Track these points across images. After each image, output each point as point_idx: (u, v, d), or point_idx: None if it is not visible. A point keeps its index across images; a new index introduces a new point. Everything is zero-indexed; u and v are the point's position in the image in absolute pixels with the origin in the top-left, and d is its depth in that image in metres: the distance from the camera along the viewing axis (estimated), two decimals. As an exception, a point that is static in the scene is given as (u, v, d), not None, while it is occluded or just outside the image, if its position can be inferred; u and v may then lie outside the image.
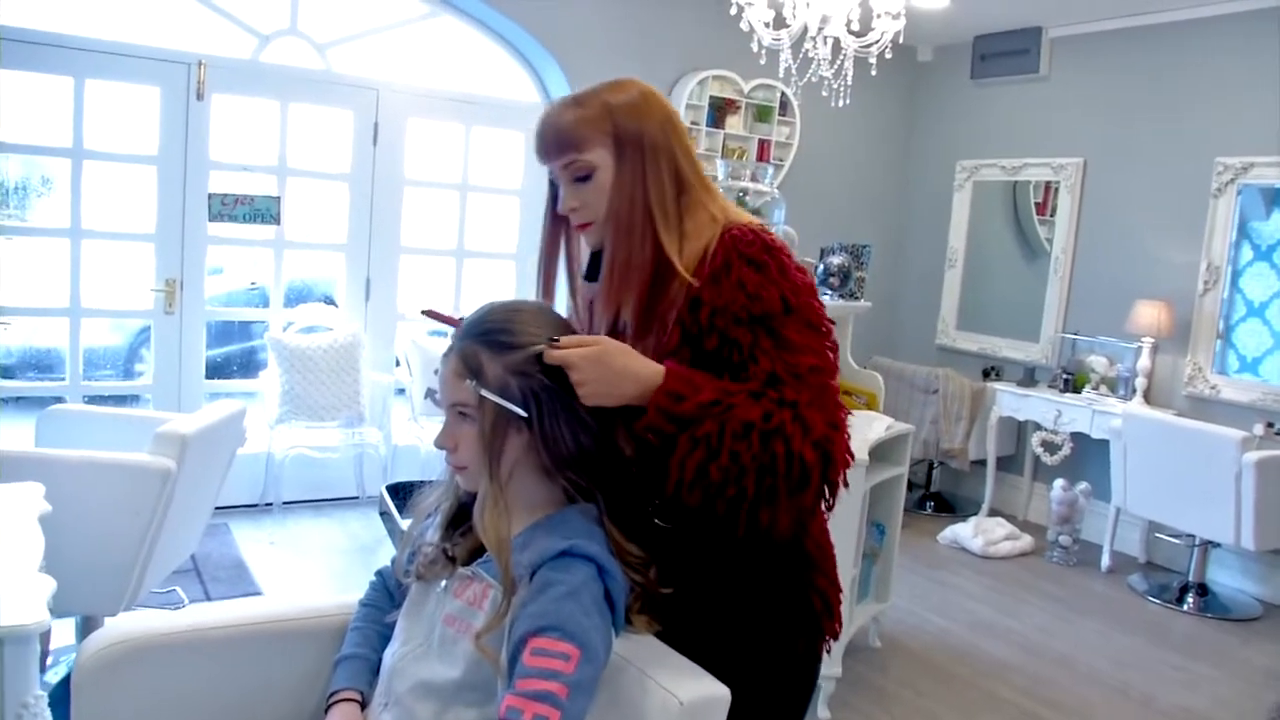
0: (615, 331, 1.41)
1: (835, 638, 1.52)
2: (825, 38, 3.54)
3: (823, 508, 1.39)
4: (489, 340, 1.33)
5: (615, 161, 1.37)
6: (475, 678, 1.27)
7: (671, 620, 1.38)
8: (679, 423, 1.25)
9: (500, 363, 1.31)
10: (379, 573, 1.58)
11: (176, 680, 1.44)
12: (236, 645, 1.48)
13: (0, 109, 4.00)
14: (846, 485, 1.34)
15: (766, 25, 3.60)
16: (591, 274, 1.47)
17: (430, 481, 1.53)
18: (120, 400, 4.84)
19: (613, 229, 1.37)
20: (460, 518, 1.43)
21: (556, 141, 1.39)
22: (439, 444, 1.38)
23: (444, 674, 1.29)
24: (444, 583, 1.38)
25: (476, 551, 1.38)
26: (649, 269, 1.37)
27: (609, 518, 1.36)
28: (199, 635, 1.46)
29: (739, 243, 1.34)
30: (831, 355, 1.35)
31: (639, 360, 1.29)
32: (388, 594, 1.54)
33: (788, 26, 3.59)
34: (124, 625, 1.46)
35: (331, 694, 1.42)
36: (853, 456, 1.35)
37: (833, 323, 1.39)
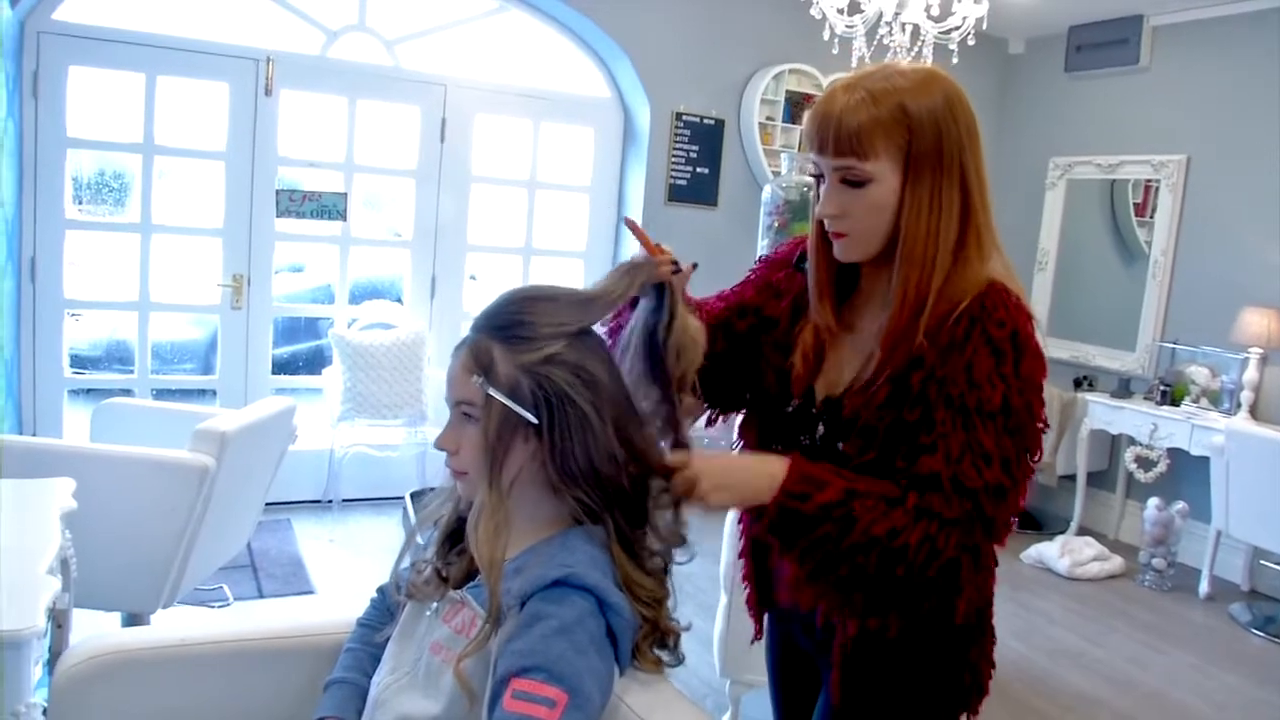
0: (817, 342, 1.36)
1: (974, 713, 1.41)
2: (902, 24, 3.35)
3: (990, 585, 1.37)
4: (504, 334, 1.19)
5: (903, 180, 1.22)
6: (457, 713, 1.14)
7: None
8: (801, 523, 1.18)
9: (513, 360, 1.18)
10: (380, 589, 1.47)
11: (158, 697, 1.36)
12: (223, 663, 1.39)
13: (74, 105, 4.05)
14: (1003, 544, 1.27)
15: (840, 12, 3.42)
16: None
17: (435, 488, 1.40)
18: (190, 395, 4.89)
19: (906, 259, 1.23)
20: (458, 533, 1.29)
21: (837, 139, 1.22)
22: (439, 445, 1.25)
23: (425, 709, 1.16)
24: (435, 606, 1.25)
25: (471, 573, 1.25)
26: (914, 291, 1.23)
27: (620, 544, 1.21)
28: (182, 651, 1.37)
29: (989, 318, 1.19)
30: (1029, 455, 1.22)
31: (761, 460, 1.25)
32: (387, 612, 1.43)
33: (862, 12, 3.40)
34: (104, 639, 1.37)
35: (318, 720, 1.31)
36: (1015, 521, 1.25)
37: (1046, 424, 1.26)
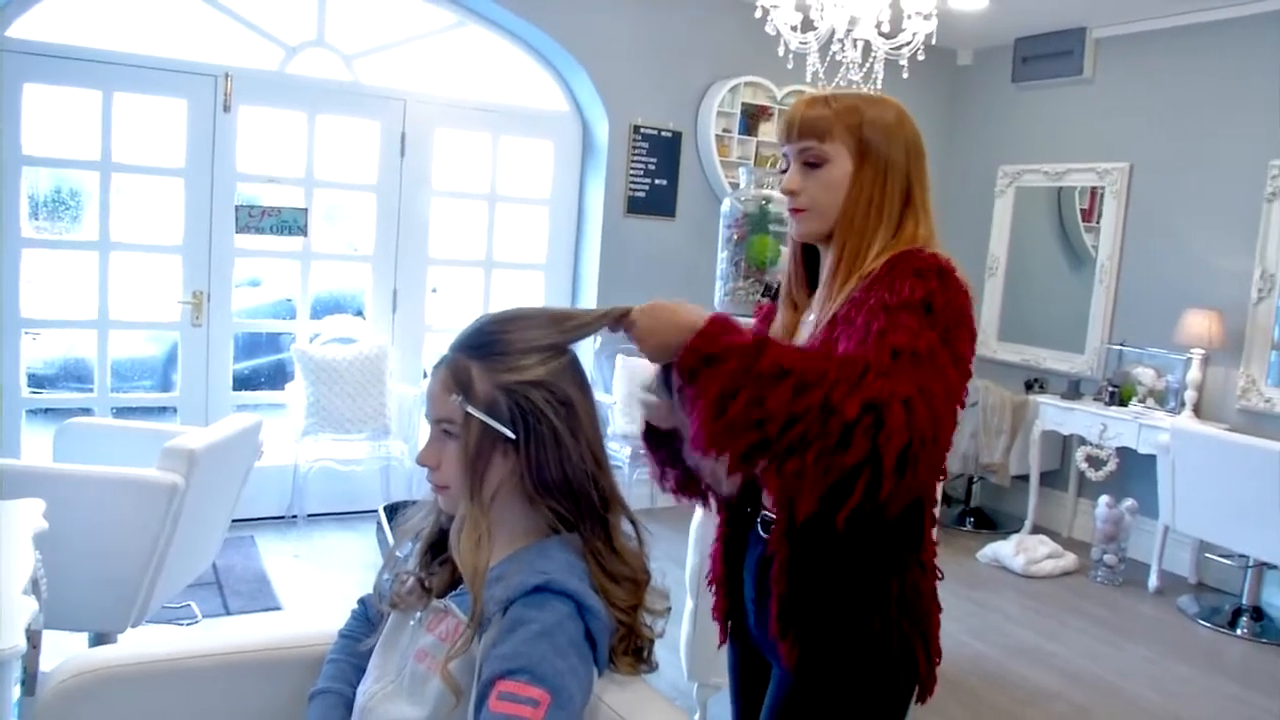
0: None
1: (919, 698, 1.45)
2: (855, 40, 3.44)
3: (930, 561, 1.41)
4: (481, 353, 1.25)
5: (855, 165, 1.41)
6: (442, 718, 1.18)
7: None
8: (706, 360, 1.17)
9: (491, 379, 1.23)
10: (362, 600, 1.51)
11: (145, 713, 1.38)
12: (208, 677, 1.42)
13: (29, 123, 4.02)
14: (935, 498, 1.29)
15: (794, 28, 3.51)
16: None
17: (417, 501, 1.45)
18: (150, 412, 4.85)
19: (843, 226, 1.41)
20: (440, 544, 1.35)
21: (801, 126, 1.43)
22: (420, 461, 1.30)
23: (411, 715, 1.20)
24: (419, 615, 1.30)
25: (454, 582, 1.30)
26: (855, 261, 1.40)
27: (593, 552, 1.27)
28: (168, 666, 1.40)
29: (913, 257, 1.33)
30: (955, 381, 1.21)
31: (694, 309, 1.27)
32: (368, 623, 1.47)
33: (815, 29, 3.49)
34: (92, 655, 1.40)
35: (303, 731, 1.35)
36: (944, 471, 1.27)
37: (969, 371, 1.29)
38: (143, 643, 1.40)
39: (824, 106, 1.43)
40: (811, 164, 1.42)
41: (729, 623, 1.63)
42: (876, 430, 1.09)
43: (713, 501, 1.58)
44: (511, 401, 1.23)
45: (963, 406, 1.27)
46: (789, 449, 1.11)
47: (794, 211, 1.46)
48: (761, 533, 1.47)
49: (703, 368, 1.17)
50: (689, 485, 1.56)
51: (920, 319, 1.22)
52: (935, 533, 1.47)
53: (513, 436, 1.23)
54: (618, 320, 1.30)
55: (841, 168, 1.41)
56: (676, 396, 1.32)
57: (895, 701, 1.42)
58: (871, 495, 1.11)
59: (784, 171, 1.47)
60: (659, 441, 1.53)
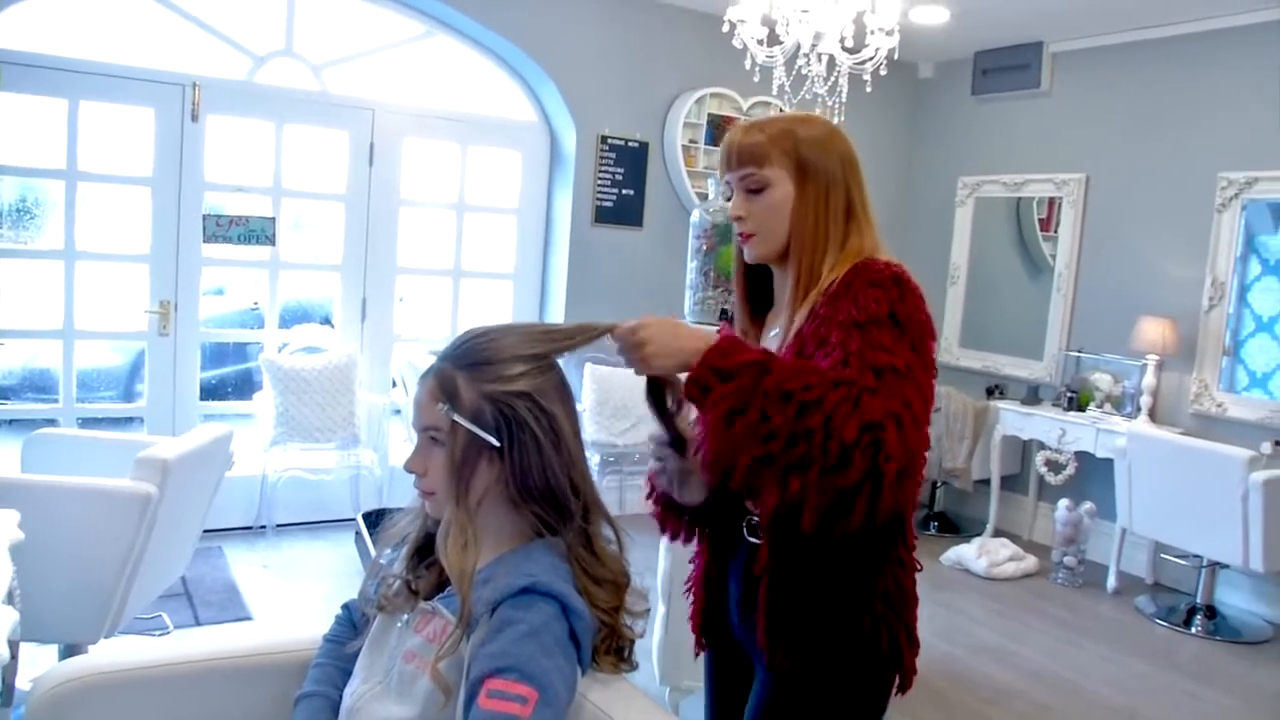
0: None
1: (900, 688, 1.49)
2: (819, 55, 3.51)
3: (910, 556, 1.46)
4: (467, 364, 1.29)
5: (797, 186, 1.47)
6: (430, 717, 1.22)
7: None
8: (719, 375, 1.23)
9: (476, 389, 1.27)
10: (346, 605, 1.54)
11: (134, 718, 1.40)
12: (196, 681, 1.44)
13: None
14: (914, 505, 1.32)
15: (760, 42, 3.57)
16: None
17: (402, 508, 1.48)
18: (116, 423, 4.81)
19: (796, 246, 1.47)
20: (427, 548, 1.38)
21: (740, 154, 1.49)
22: (408, 468, 1.34)
23: (399, 714, 1.24)
24: (406, 617, 1.33)
25: (441, 585, 1.33)
26: (808, 280, 1.46)
27: (576, 555, 1.31)
28: (156, 672, 1.41)
29: (867, 269, 1.38)
30: (929, 388, 1.31)
31: (698, 328, 1.33)
32: (352, 627, 1.50)
33: (781, 43, 3.56)
34: (79, 662, 1.41)
35: (290, 733, 1.37)
36: (921, 477, 1.31)
37: (935, 370, 1.37)
38: (128, 650, 1.42)
39: (759, 133, 1.48)
40: (754, 190, 1.48)
41: (704, 629, 1.65)
42: (875, 451, 1.16)
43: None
44: (496, 410, 1.27)
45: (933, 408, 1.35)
46: (790, 467, 1.18)
47: (743, 236, 1.52)
48: (748, 536, 1.50)
49: (716, 383, 1.22)
50: (692, 532, 1.62)
51: (891, 334, 1.29)
52: (914, 526, 1.52)
53: (497, 444, 1.27)
54: (603, 335, 1.35)
55: (783, 190, 1.47)
56: (666, 418, 1.42)
57: (880, 694, 1.47)
58: (872, 511, 1.18)
59: (729, 199, 1.54)
60: (670, 505, 1.58)
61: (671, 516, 1.60)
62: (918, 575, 1.50)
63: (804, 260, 1.46)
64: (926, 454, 1.26)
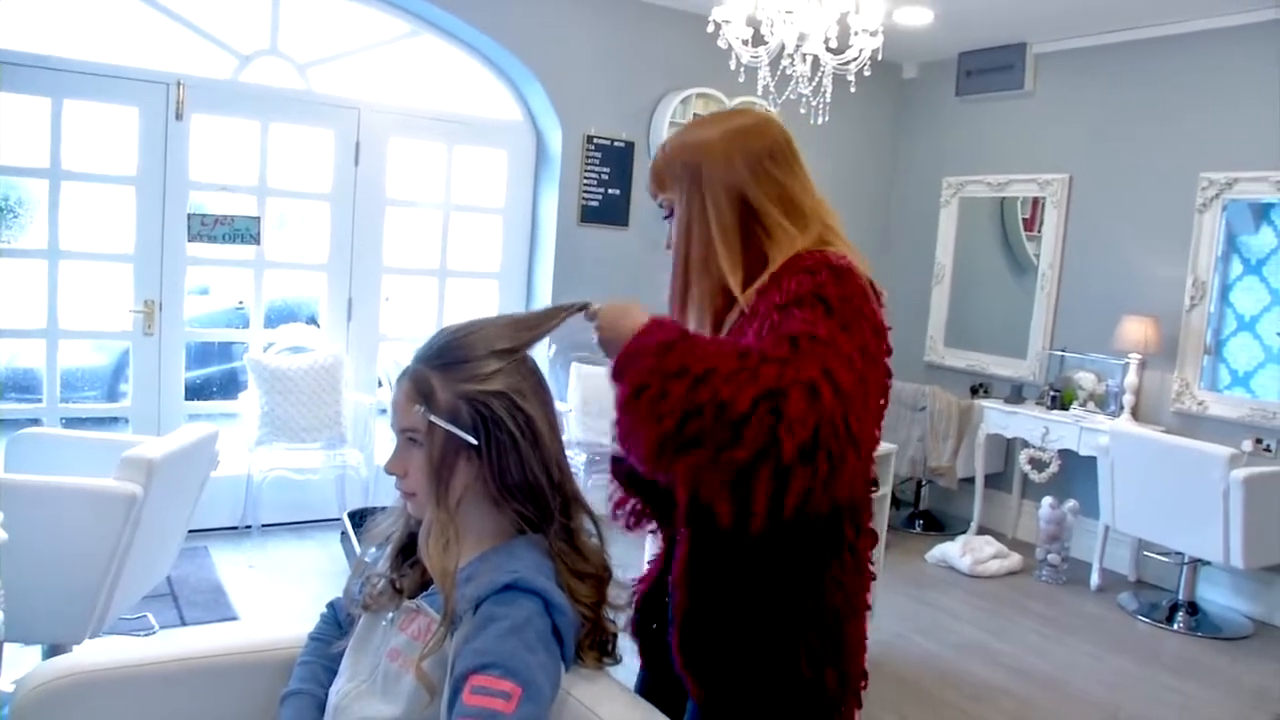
0: None
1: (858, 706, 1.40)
2: (804, 55, 3.53)
3: (856, 579, 1.35)
4: (442, 364, 1.30)
5: (686, 206, 1.38)
6: (414, 714, 1.22)
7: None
8: (632, 355, 1.14)
9: (452, 389, 1.28)
10: (331, 604, 1.54)
11: (120, 716, 1.40)
12: (182, 680, 1.44)
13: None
14: (858, 491, 1.26)
15: (745, 43, 3.59)
16: None
17: (386, 508, 1.49)
18: (100, 423, 4.79)
19: (672, 263, 1.40)
20: (411, 548, 1.39)
21: (650, 181, 1.45)
22: (388, 470, 1.35)
23: (384, 712, 1.24)
24: (390, 615, 1.34)
25: (425, 583, 1.34)
26: (715, 299, 1.36)
27: (558, 552, 1.32)
28: (143, 670, 1.42)
29: (799, 258, 1.30)
30: (863, 369, 1.15)
31: (643, 314, 1.22)
32: (338, 626, 1.50)
33: (765, 44, 3.57)
34: (65, 660, 1.41)
35: (276, 731, 1.38)
36: (875, 482, 1.29)
37: (888, 350, 1.27)
38: (113, 650, 1.42)
39: (661, 153, 1.42)
40: (668, 215, 1.43)
41: (644, 646, 1.56)
42: (775, 421, 1.03)
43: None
44: (472, 409, 1.28)
45: (884, 403, 1.25)
46: (684, 445, 1.06)
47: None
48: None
49: (626, 365, 1.13)
50: (644, 515, 1.55)
51: (813, 310, 1.18)
52: (873, 555, 1.40)
53: (475, 443, 1.28)
54: (578, 311, 1.33)
55: (681, 212, 1.39)
56: None
57: None
58: (779, 492, 1.05)
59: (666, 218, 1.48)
60: (625, 471, 1.52)
61: (625, 493, 1.53)
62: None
63: (691, 288, 1.36)
64: (867, 448, 1.14)
